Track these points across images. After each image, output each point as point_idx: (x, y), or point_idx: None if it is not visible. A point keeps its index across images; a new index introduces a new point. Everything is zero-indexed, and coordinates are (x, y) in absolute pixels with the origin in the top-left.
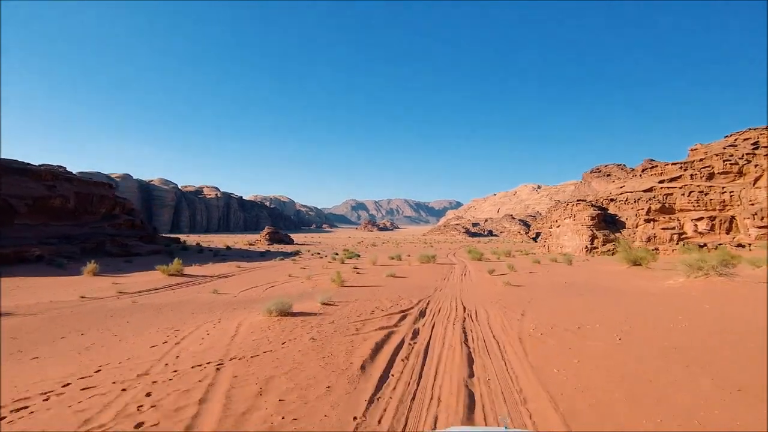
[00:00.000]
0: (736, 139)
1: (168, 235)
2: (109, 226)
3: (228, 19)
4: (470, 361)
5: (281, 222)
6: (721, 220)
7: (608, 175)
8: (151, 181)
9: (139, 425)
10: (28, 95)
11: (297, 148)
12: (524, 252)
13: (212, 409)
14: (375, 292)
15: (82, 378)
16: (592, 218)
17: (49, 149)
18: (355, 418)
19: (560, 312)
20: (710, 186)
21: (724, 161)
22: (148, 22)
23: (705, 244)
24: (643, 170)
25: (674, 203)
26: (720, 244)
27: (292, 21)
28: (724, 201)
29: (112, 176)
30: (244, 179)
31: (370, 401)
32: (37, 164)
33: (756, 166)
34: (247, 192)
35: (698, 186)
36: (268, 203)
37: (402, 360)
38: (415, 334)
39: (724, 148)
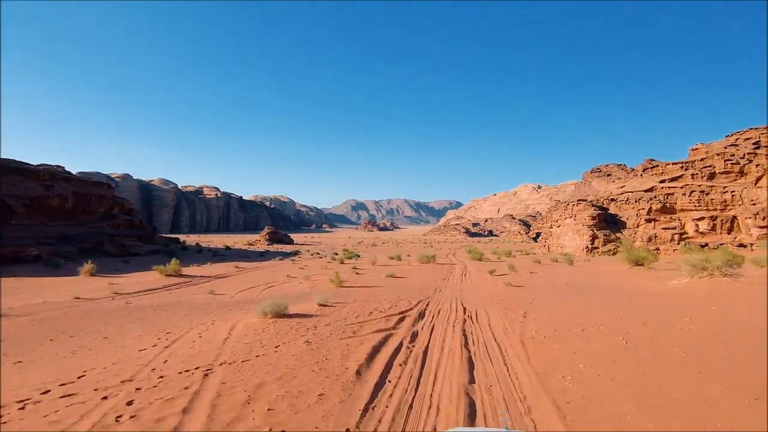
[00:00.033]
0: (737, 139)
1: (167, 235)
2: (108, 226)
3: (228, 19)
4: (471, 366)
5: (281, 222)
6: (722, 220)
7: (608, 175)
8: (151, 181)
9: None
10: (28, 95)
11: (297, 148)
12: (525, 252)
13: (196, 419)
14: (374, 292)
15: (63, 384)
16: (593, 218)
17: (49, 149)
18: (347, 430)
19: (563, 313)
20: (711, 186)
21: (725, 161)
22: (148, 22)
23: (706, 244)
24: (643, 170)
25: (675, 203)
26: (721, 244)
27: (292, 21)
28: (725, 201)
29: (112, 176)
30: (244, 179)
31: (365, 410)
32: (35, 164)
33: (757, 165)
34: (247, 192)
35: (699, 186)
36: (268, 203)
37: (400, 364)
38: (414, 336)
39: (726, 148)
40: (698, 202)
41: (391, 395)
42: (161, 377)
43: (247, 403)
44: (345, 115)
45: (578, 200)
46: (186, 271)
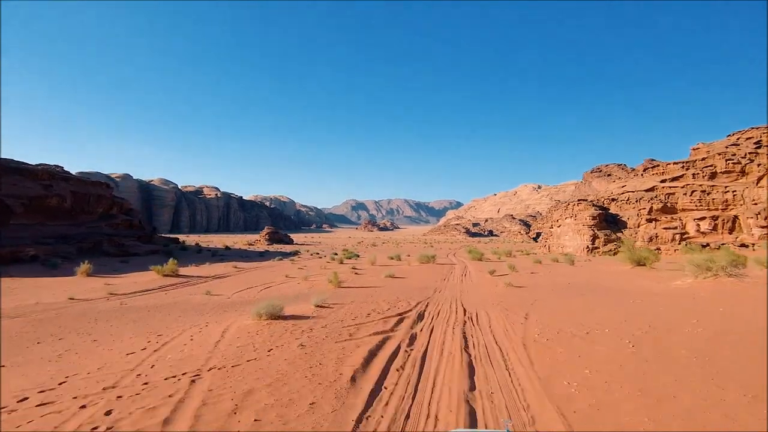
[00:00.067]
0: (738, 138)
1: (167, 235)
2: (107, 225)
3: (228, 19)
4: (471, 371)
5: (281, 222)
6: (723, 220)
7: (609, 175)
8: (151, 181)
9: None
10: (28, 95)
11: (297, 148)
12: (525, 252)
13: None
14: (372, 293)
15: (42, 391)
16: (594, 218)
17: (49, 149)
18: None
19: (565, 314)
20: (713, 185)
21: (726, 160)
22: (148, 22)
23: (707, 244)
24: (644, 170)
25: (676, 203)
26: (723, 244)
27: (292, 21)
28: (726, 200)
29: (112, 176)
30: (244, 179)
31: (359, 421)
32: (34, 164)
33: (759, 165)
34: (247, 192)
35: (700, 185)
36: (268, 203)
37: (397, 370)
38: (413, 339)
39: (727, 147)
40: (699, 202)
41: (387, 403)
42: (146, 384)
43: (233, 412)
44: (345, 115)
45: (579, 200)
46: (184, 271)
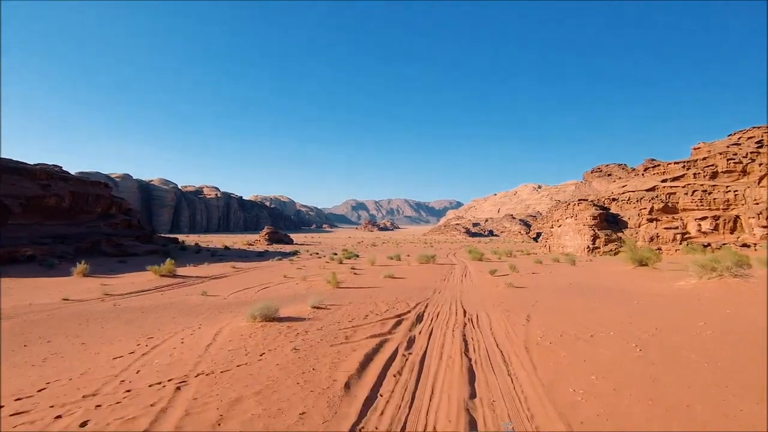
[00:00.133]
0: (739, 138)
1: (166, 235)
2: (106, 225)
3: (228, 19)
4: (471, 377)
5: (281, 222)
6: (725, 220)
7: (609, 175)
8: (151, 181)
9: None
10: (28, 95)
11: (297, 148)
12: (525, 252)
13: None
14: (371, 294)
15: (19, 399)
16: (594, 218)
17: (49, 149)
18: None
19: (568, 316)
20: (714, 185)
21: (727, 160)
22: (148, 22)
23: (709, 244)
24: (645, 169)
25: (677, 202)
26: (724, 244)
27: (292, 21)
28: (728, 200)
29: (112, 176)
30: (244, 179)
31: None
32: (32, 163)
33: (760, 164)
34: (247, 192)
35: (702, 185)
36: (268, 203)
37: (394, 375)
38: (411, 342)
39: (728, 147)
40: (700, 202)
41: (382, 413)
42: (128, 391)
43: (217, 424)
44: (345, 115)
45: (579, 200)
46: (181, 271)
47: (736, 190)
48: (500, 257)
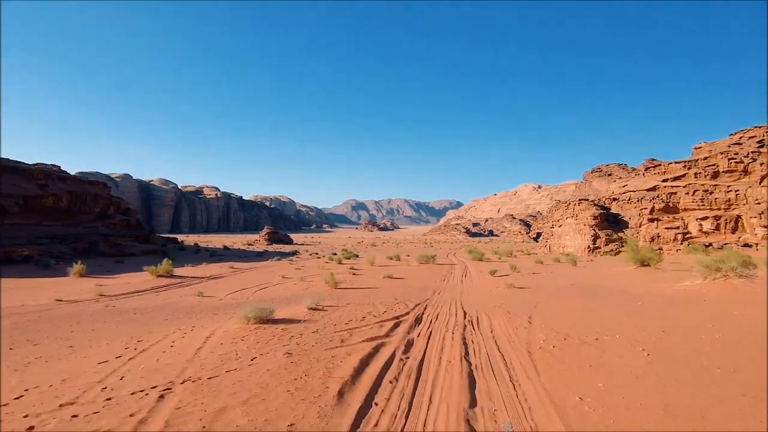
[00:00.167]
0: (741, 137)
1: (166, 235)
2: (104, 225)
3: (228, 19)
4: (472, 384)
5: (281, 222)
6: (726, 220)
7: (609, 175)
8: (151, 181)
9: None
10: (28, 95)
11: (297, 148)
12: (526, 252)
13: None
14: (369, 294)
15: None
16: (595, 218)
17: (49, 149)
18: None
19: (571, 318)
20: (715, 185)
21: (729, 159)
22: (148, 22)
23: (710, 244)
24: (645, 169)
25: (678, 202)
26: (725, 244)
27: (292, 21)
28: (729, 200)
29: (112, 176)
30: (244, 179)
31: None
32: (30, 163)
33: (762, 164)
34: (247, 192)
35: (703, 185)
36: (268, 203)
37: (390, 382)
38: (409, 345)
39: (729, 147)
40: (702, 202)
41: (376, 424)
42: (108, 399)
43: None
44: (345, 115)
45: (580, 199)
46: (179, 271)
47: (738, 190)
48: (500, 257)
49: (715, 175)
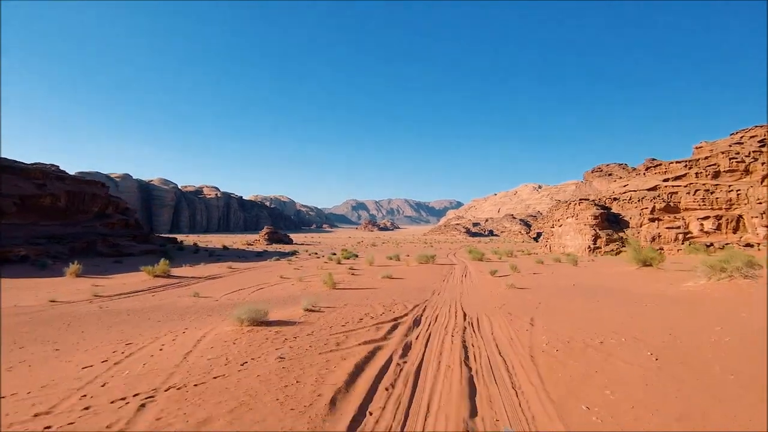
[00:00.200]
0: (742, 137)
1: (165, 235)
2: (102, 225)
3: (228, 19)
4: (472, 391)
5: (281, 222)
6: (727, 219)
7: (609, 175)
8: (151, 181)
9: None
10: (28, 95)
11: (297, 148)
12: (526, 252)
13: None
14: (368, 295)
15: None
16: (595, 217)
17: (49, 149)
18: None
19: (574, 320)
20: (716, 184)
21: (730, 159)
22: (148, 22)
23: (711, 244)
24: (646, 169)
25: (679, 202)
26: (727, 244)
27: (292, 21)
28: (730, 200)
29: (112, 176)
30: (244, 179)
31: None
32: (28, 163)
33: (763, 164)
34: (247, 192)
35: (704, 184)
36: (268, 203)
37: (386, 389)
38: (406, 349)
39: (730, 146)
40: (703, 201)
41: None
42: (86, 409)
43: None
44: (345, 115)
45: (580, 199)
46: (177, 271)
47: (739, 190)
48: (501, 257)
49: (717, 174)
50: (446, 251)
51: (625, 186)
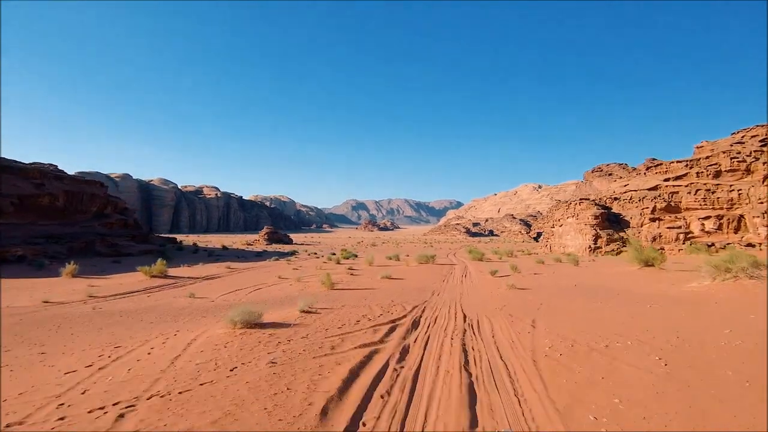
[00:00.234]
0: (743, 136)
1: (165, 235)
2: (100, 225)
3: (228, 19)
4: (472, 398)
5: (281, 222)
6: (729, 219)
7: (610, 174)
8: (151, 181)
9: None
10: (28, 95)
11: (297, 148)
12: (526, 252)
13: None
14: (366, 296)
15: None
16: (596, 217)
17: (49, 149)
18: None
19: (577, 322)
20: (717, 184)
21: (731, 158)
22: (148, 22)
23: (712, 244)
24: (647, 168)
25: (680, 202)
26: (728, 244)
27: (292, 21)
28: (731, 199)
29: (112, 176)
30: (244, 179)
31: None
32: (26, 162)
33: (764, 163)
34: (247, 192)
35: (705, 184)
36: (268, 203)
37: (381, 396)
38: (404, 353)
39: (731, 146)
40: (704, 201)
41: None
42: (61, 419)
43: None
44: (345, 115)
45: (580, 199)
46: (174, 272)
47: (740, 189)
48: (501, 257)
49: (718, 174)
50: (446, 251)
51: (625, 186)
